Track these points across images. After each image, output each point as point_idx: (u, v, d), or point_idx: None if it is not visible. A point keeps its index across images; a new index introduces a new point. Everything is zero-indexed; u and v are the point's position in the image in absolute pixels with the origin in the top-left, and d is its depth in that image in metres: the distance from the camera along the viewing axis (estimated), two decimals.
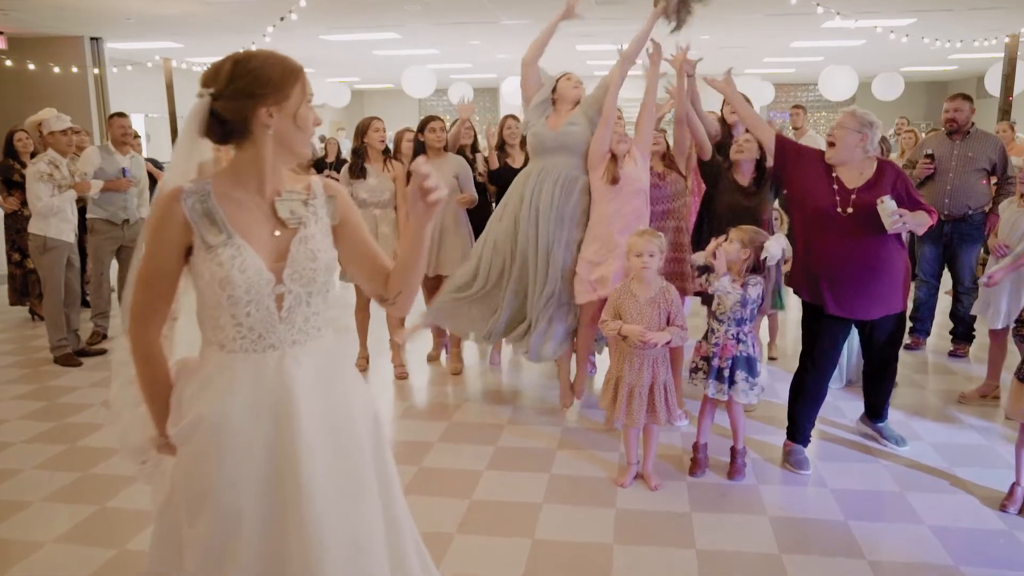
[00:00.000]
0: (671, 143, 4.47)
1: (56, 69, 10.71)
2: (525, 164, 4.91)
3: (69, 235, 5.26)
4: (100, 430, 4.09)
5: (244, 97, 1.57)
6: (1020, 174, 4.39)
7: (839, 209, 3.39)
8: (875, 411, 3.89)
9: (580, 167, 4.04)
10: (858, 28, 10.19)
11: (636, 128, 4.11)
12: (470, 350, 5.52)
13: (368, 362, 5.16)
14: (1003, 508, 3.21)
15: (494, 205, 4.77)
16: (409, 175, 4.88)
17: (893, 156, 7.83)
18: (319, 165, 10.04)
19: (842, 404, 4.42)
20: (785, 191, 4.07)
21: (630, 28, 11.00)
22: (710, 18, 10.22)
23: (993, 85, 10.84)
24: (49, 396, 4.69)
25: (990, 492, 3.35)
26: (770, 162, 3.78)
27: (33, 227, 5.19)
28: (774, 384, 4.67)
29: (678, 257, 4.22)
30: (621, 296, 3.33)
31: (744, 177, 4.27)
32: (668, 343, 3.27)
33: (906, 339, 5.16)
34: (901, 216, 3.23)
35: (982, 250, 5.73)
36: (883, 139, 6.52)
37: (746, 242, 3.32)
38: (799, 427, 3.66)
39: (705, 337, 3.47)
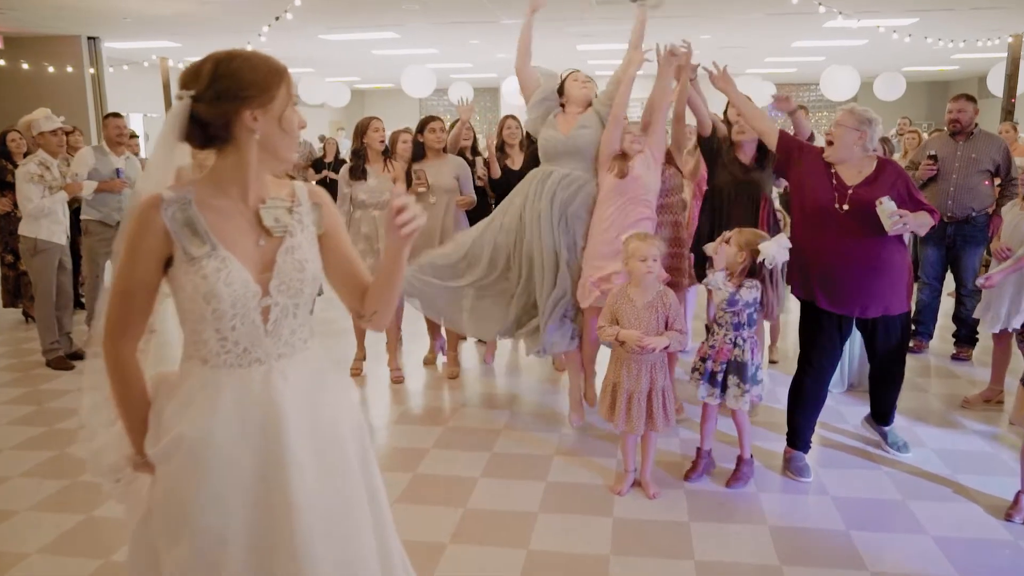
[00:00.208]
0: (668, 140, 4.40)
1: (51, 69, 10.66)
2: (524, 165, 4.86)
3: (60, 237, 5.20)
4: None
5: (227, 99, 1.50)
6: (1023, 176, 4.32)
7: (836, 205, 3.34)
8: (880, 415, 3.81)
9: (590, 171, 3.94)
10: (860, 28, 10.13)
11: (648, 130, 3.99)
12: (468, 352, 5.46)
13: (364, 364, 5.08)
14: (1008, 518, 3.15)
15: (494, 206, 4.72)
16: (408, 176, 4.83)
17: (896, 157, 7.78)
18: (318, 165, 10.00)
19: (843, 409, 4.36)
20: (786, 188, 4.02)
21: (629, 28, 10.96)
22: (711, 17, 10.21)
23: (995, 85, 10.78)
24: (40, 400, 4.64)
25: (995, 501, 3.29)
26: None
27: (24, 229, 5.12)
28: (775, 388, 4.60)
29: (675, 252, 4.17)
30: (618, 301, 3.26)
31: (746, 156, 4.21)
32: (666, 348, 3.21)
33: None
34: (902, 217, 3.17)
35: (985, 252, 5.67)
36: (885, 139, 6.48)
37: (742, 244, 3.25)
38: (799, 433, 3.60)
39: (707, 338, 3.43)
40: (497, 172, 5.16)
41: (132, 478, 1.65)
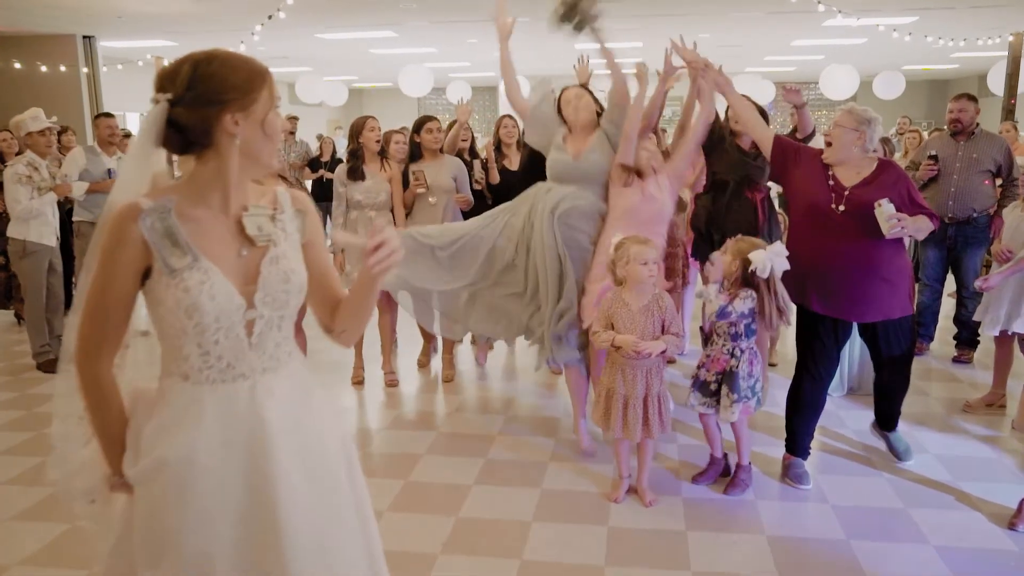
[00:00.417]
0: (668, 144, 4.35)
1: (46, 68, 10.58)
2: (522, 166, 4.79)
3: (50, 239, 5.13)
4: None
5: (206, 103, 1.43)
6: (1023, 178, 4.26)
7: (833, 206, 3.28)
8: (884, 420, 3.72)
9: (599, 194, 3.77)
10: (860, 26, 10.07)
11: (672, 152, 3.84)
12: (464, 355, 5.40)
13: (364, 374, 4.93)
14: (1012, 526, 3.08)
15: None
16: (405, 177, 4.76)
17: (896, 156, 7.71)
18: (314, 164, 9.92)
19: (843, 413, 4.29)
20: (783, 191, 3.95)
21: (628, 27, 10.93)
22: (710, 16, 10.15)
23: (996, 84, 10.72)
24: (29, 405, 4.57)
25: (998, 508, 3.23)
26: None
27: (12, 231, 5.05)
28: (774, 392, 4.53)
29: (670, 252, 4.16)
30: (613, 305, 3.19)
31: (745, 143, 4.16)
32: (663, 352, 3.14)
33: None
34: (900, 220, 3.10)
35: (986, 253, 5.61)
36: (886, 139, 6.41)
37: (735, 253, 3.18)
38: (798, 439, 3.53)
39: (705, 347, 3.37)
40: (496, 178, 5.10)
41: (108, 499, 1.58)
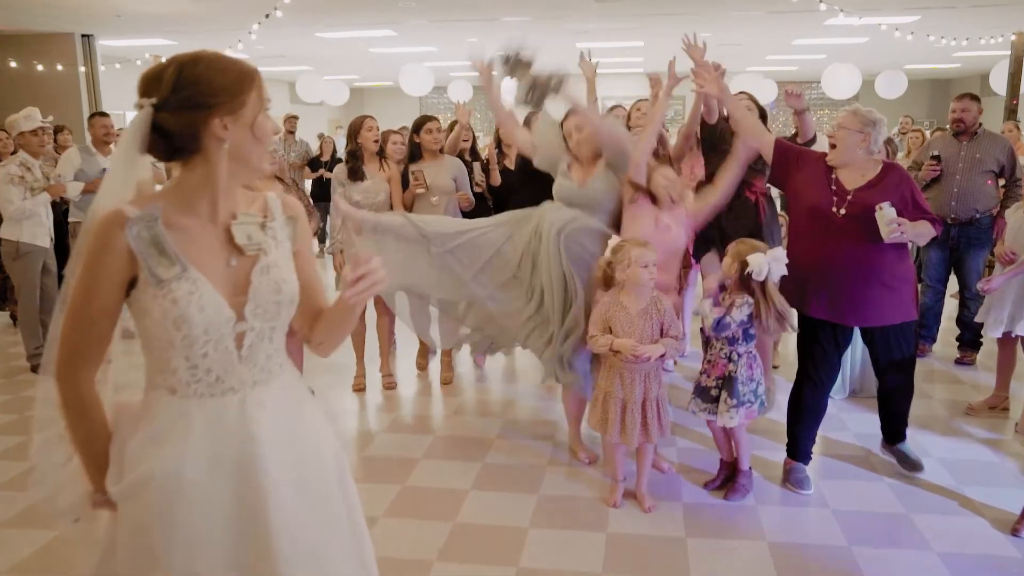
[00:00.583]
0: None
1: (42, 67, 10.53)
2: (518, 166, 4.74)
3: (44, 240, 5.09)
4: None
5: (193, 107, 1.38)
6: None
7: (834, 209, 3.22)
8: (891, 433, 3.62)
9: (607, 221, 3.62)
10: (862, 26, 10.02)
11: (695, 201, 3.69)
12: (462, 357, 5.35)
13: (366, 381, 4.85)
14: (1015, 532, 3.04)
15: (493, 211, 4.61)
16: (404, 177, 4.72)
17: (899, 156, 7.67)
18: (314, 164, 9.89)
19: (845, 416, 4.25)
20: (784, 194, 3.90)
21: (629, 26, 10.88)
22: (711, 15, 10.11)
23: (998, 83, 10.67)
24: (21, 408, 4.53)
25: (1001, 514, 3.18)
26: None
27: (5, 232, 4.99)
28: (775, 394, 4.49)
29: None
30: (610, 308, 3.14)
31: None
32: (662, 356, 3.10)
33: None
34: (900, 225, 3.05)
35: (989, 254, 5.56)
36: (888, 140, 6.36)
37: (735, 255, 3.12)
38: (799, 444, 3.49)
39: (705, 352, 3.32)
40: (497, 179, 5.05)
41: (92, 517, 1.53)
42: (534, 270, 3.60)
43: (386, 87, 20.97)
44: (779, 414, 3.90)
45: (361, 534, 1.67)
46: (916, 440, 3.87)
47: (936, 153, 5.12)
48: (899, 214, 3.10)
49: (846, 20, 9.39)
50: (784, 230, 4.46)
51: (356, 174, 4.60)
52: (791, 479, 3.44)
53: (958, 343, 5.31)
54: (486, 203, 5.03)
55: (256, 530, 1.44)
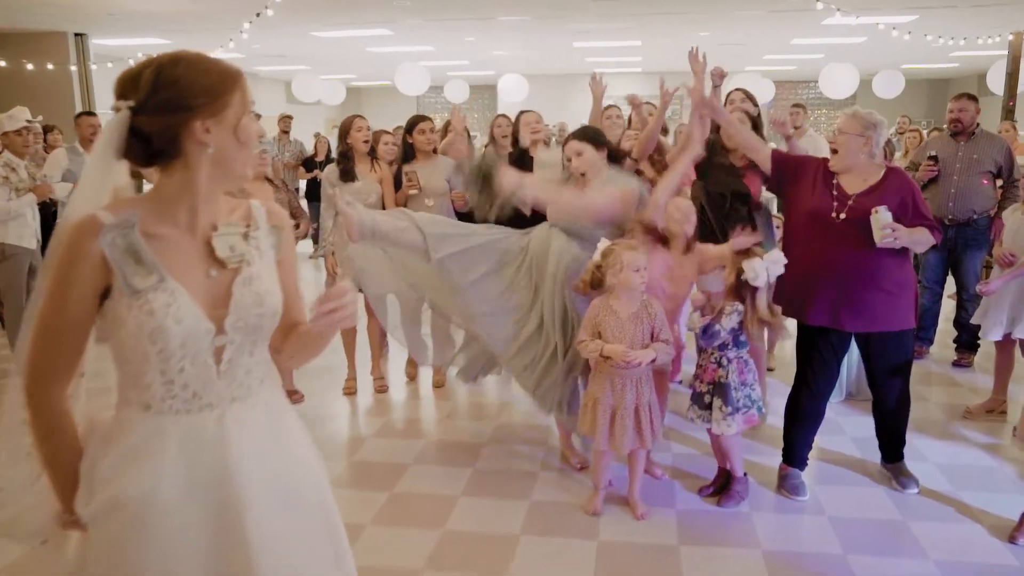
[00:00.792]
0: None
1: (35, 66, 10.46)
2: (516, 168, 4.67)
3: (30, 241, 5.03)
4: None
5: (173, 110, 1.32)
6: (1023, 181, 4.17)
7: (834, 215, 3.15)
8: (889, 451, 3.51)
9: (606, 232, 3.47)
10: (859, 25, 9.97)
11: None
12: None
13: (356, 384, 4.79)
14: (1012, 540, 2.99)
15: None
16: (397, 178, 4.66)
17: (896, 156, 7.63)
18: (308, 164, 9.83)
19: (841, 420, 4.20)
20: (782, 202, 3.82)
21: (626, 26, 10.83)
22: (709, 14, 10.05)
23: (995, 83, 10.60)
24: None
25: (999, 520, 3.14)
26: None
27: None
28: (771, 398, 4.44)
29: None
30: (600, 313, 3.07)
31: (739, 160, 4.03)
32: (653, 361, 3.04)
33: None
34: (894, 230, 2.99)
35: (987, 255, 5.52)
36: (886, 140, 6.31)
37: (732, 265, 3.06)
38: (795, 450, 3.44)
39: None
40: None
41: (61, 539, 1.46)
42: (535, 297, 3.46)
43: (383, 87, 20.90)
44: (776, 419, 3.86)
45: (342, 550, 1.61)
46: (913, 445, 3.81)
47: (933, 153, 5.07)
48: (898, 220, 3.04)
49: (843, 20, 9.34)
50: (779, 232, 4.40)
51: (347, 175, 4.54)
52: (786, 485, 3.39)
53: (955, 345, 5.26)
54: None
55: (235, 551, 1.38)
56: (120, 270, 1.32)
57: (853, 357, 4.39)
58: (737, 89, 4.31)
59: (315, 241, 9.48)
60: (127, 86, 1.35)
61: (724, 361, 3.12)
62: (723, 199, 4.00)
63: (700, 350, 3.27)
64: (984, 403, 4.35)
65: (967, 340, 5.20)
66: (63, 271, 1.33)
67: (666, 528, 3.10)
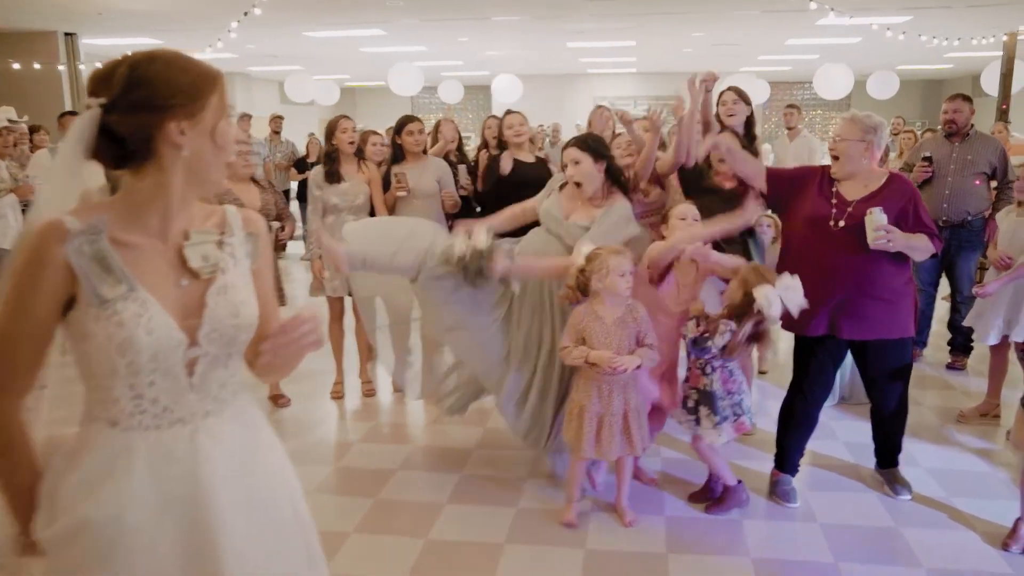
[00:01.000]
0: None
1: (23, 65, 10.37)
2: (511, 174, 4.59)
3: (11, 243, 4.96)
4: None
5: (147, 109, 1.26)
6: (1018, 182, 4.12)
7: (832, 223, 3.07)
8: (884, 457, 3.46)
9: None
10: (854, 26, 9.95)
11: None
12: None
13: (344, 388, 4.73)
14: (1006, 547, 2.95)
15: (480, 214, 4.51)
16: (386, 179, 4.60)
17: (891, 157, 7.59)
18: (301, 165, 9.77)
19: (834, 424, 4.15)
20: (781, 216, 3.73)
21: (621, 26, 10.78)
22: (704, 14, 10.02)
23: (990, 84, 10.58)
24: None
25: (992, 527, 3.09)
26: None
27: None
28: (764, 401, 4.40)
29: None
30: (585, 319, 2.99)
31: (729, 181, 3.94)
32: (639, 367, 2.96)
33: None
34: (888, 233, 2.92)
35: (981, 257, 5.48)
36: None
37: (740, 281, 2.89)
38: (787, 455, 3.39)
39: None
40: (482, 186, 4.94)
41: (17, 565, 1.38)
42: (525, 317, 3.37)
43: (378, 87, 20.84)
44: (768, 423, 3.81)
45: (316, 561, 1.55)
46: (906, 449, 3.75)
47: (928, 154, 5.03)
48: (898, 227, 2.97)
49: (837, 20, 9.31)
50: (772, 232, 4.34)
51: (332, 177, 4.48)
52: (777, 491, 3.34)
53: (949, 347, 5.22)
54: (471, 206, 4.92)
55: (207, 572, 1.31)
56: (87, 279, 1.26)
57: (847, 361, 4.34)
58: (729, 89, 4.24)
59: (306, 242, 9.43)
60: (99, 83, 1.28)
61: (708, 369, 3.04)
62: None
63: (688, 354, 3.21)
64: (977, 407, 4.30)
65: (961, 343, 5.16)
66: (24, 278, 1.27)
67: (654, 536, 3.05)
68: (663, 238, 3.72)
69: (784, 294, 2.82)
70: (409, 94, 14.09)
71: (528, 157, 4.67)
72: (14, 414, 1.31)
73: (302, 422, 4.27)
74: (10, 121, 4.95)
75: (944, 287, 5.25)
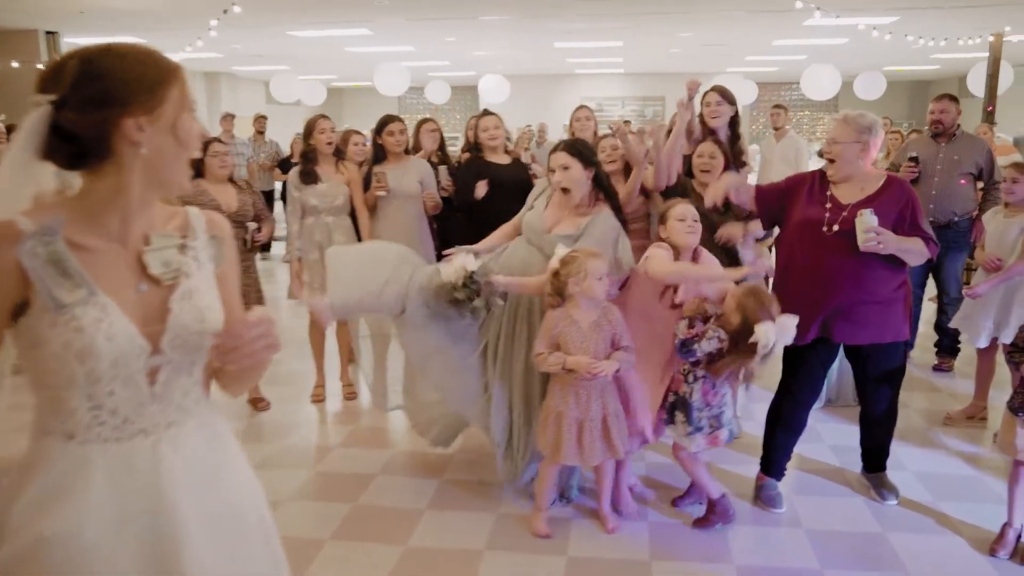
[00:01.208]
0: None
1: (4, 64, 10.23)
2: (493, 180, 4.51)
3: None
4: None
5: (101, 105, 1.19)
6: (1004, 183, 4.09)
7: (825, 228, 3.00)
8: (872, 461, 3.41)
9: None
10: (841, 26, 9.95)
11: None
12: None
13: (325, 392, 4.64)
14: (993, 552, 2.91)
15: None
16: (366, 179, 4.53)
17: (879, 157, 7.57)
18: (285, 165, 9.67)
19: (820, 427, 4.11)
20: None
21: (609, 25, 10.74)
22: (691, 13, 9.99)
23: (976, 85, 10.61)
24: None
25: (979, 532, 3.05)
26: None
27: None
28: (749, 404, 4.33)
29: None
30: (560, 324, 2.89)
31: (709, 201, 3.85)
32: (617, 370, 2.88)
33: None
34: (878, 235, 2.86)
35: (968, 258, 5.46)
36: None
37: (739, 306, 2.76)
38: (773, 459, 3.33)
39: None
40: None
41: None
42: (511, 343, 3.26)
43: (364, 87, 20.74)
44: (754, 427, 3.76)
45: (280, 568, 1.48)
46: (893, 453, 3.70)
47: (914, 155, 5.01)
48: (894, 232, 2.91)
49: (824, 20, 9.30)
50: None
51: (308, 177, 4.41)
52: (762, 496, 3.29)
53: (936, 349, 5.19)
54: (453, 207, 4.85)
55: None
56: (42, 282, 1.19)
57: (834, 363, 4.30)
58: (712, 89, 4.19)
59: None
60: (49, 79, 1.21)
61: (691, 378, 2.94)
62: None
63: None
64: (964, 409, 4.27)
65: (948, 344, 5.14)
66: None
67: (637, 542, 2.99)
68: (645, 247, 3.64)
69: (779, 333, 2.71)
70: (395, 94, 14.01)
71: (503, 159, 4.59)
72: None
73: (281, 426, 4.19)
74: None
75: (931, 288, 5.22)
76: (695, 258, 3.10)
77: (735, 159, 3.96)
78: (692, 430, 2.94)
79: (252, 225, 4.15)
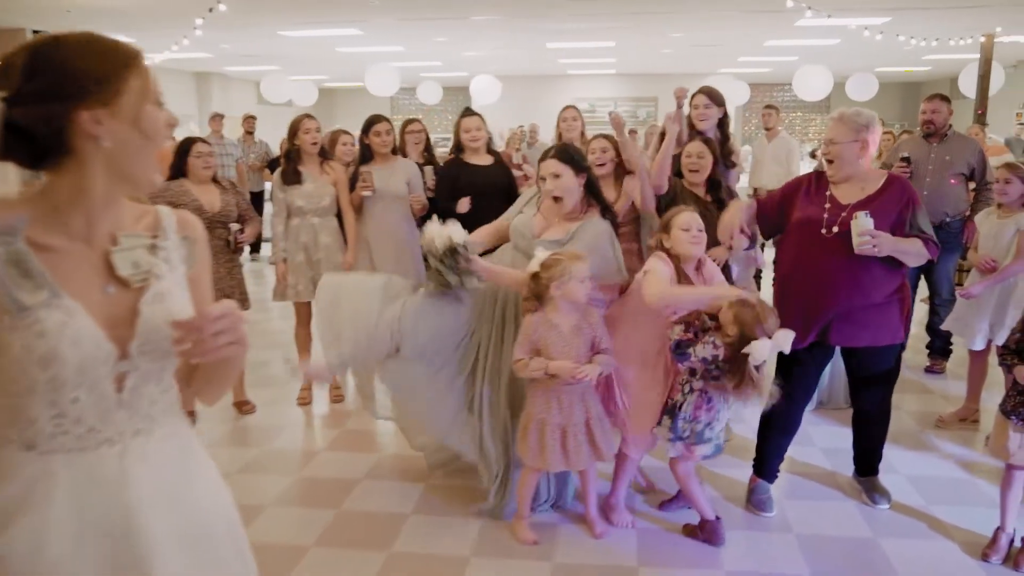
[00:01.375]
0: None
1: None
2: (480, 183, 4.46)
3: None
4: None
5: (53, 98, 1.13)
6: (997, 184, 4.05)
7: (824, 230, 2.95)
8: (864, 465, 3.37)
9: None
10: (833, 27, 9.93)
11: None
12: None
13: (311, 395, 4.58)
14: (985, 557, 2.87)
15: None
16: (353, 180, 4.47)
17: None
18: (274, 166, 9.60)
19: (812, 429, 4.06)
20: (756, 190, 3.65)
21: (601, 25, 10.70)
22: (682, 14, 9.95)
23: (967, 86, 10.61)
24: None
25: (972, 536, 3.01)
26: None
27: None
28: (741, 408, 4.29)
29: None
30: (539, 328, 2.81)
31: (701, 190, 3.82)
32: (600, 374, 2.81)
33: None
34: (873, 238, 2.81)
35: (960, 259, 5.43)
36: None
37: (736, 318, 2.66)
38: (766, 461, 3.29)
39: None
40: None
41: None
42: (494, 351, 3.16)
43: (356, 87, 20.66)
44: (746, 429, 3.72)
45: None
46: (884, 456, 3.67)
47: (906, 155, 4.97)
48: (893, 233, 2.87)
49: (814, 20, 9.28)
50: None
51: (288, 176, 4.35)
52: (753, 500, 3.25)
53: (928, 351, 5.16)
54: (438, 206, 4.79)
55: None
56: (2, 284, 1.13)
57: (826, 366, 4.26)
58: (700, 92, 4.13)
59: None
60: (1, 75, 1.15)
61: (686, 389, 2.86)
62: None
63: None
64: (957, 411, 4.24)
65: (940, 346, 5.11)
66: None
67: (625, 548, 2.94)
68: (633, 251, 3.58)
69: (775, 348, 2.64)
70: (386, 95, 13.96)
71: (485, 160, 4.52)
72: None
73: (267, 429, 4.13)
74: None
75: (922, 289, 5.19)
76: (699, 267, 3.02)
77: (725, 160, 3.92)
78: (673, 437, 2.86)
79: (235, 226, 4.09)
